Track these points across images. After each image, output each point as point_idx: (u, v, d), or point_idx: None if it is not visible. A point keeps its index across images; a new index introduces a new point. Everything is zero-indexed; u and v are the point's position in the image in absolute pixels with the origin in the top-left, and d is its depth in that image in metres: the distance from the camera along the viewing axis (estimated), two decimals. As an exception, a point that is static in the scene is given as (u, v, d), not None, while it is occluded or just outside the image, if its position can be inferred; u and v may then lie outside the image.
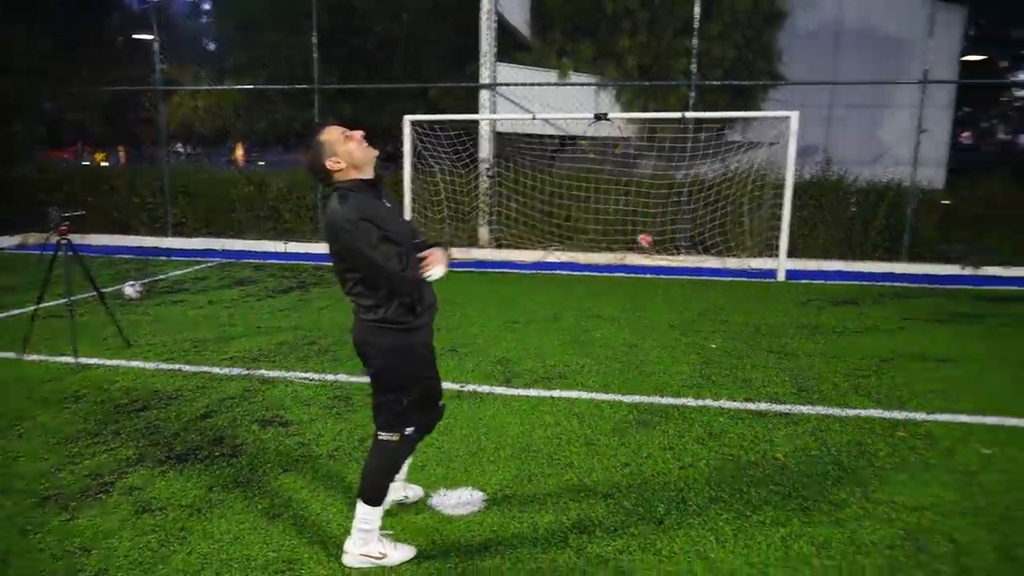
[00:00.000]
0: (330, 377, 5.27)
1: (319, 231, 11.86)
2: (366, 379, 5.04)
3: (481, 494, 3.47)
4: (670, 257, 10.68)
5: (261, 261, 10.82)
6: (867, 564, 2.91)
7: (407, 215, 10.51)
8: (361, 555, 2.86)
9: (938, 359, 5.87)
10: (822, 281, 9.54)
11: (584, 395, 4.90)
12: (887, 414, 4.60)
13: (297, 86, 12.37)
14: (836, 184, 10.81)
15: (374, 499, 2.85)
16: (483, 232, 11.33)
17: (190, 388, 5.00)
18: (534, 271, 10.11)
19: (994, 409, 4.68)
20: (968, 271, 10.17)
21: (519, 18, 13.02)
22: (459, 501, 3.40)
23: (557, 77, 12.09)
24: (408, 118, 10.29)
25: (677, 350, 6.07)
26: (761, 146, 10.91)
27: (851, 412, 4.63)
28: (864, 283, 9.43)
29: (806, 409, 4.67)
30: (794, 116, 9.42)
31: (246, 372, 5.36)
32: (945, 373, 5.49)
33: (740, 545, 3.04)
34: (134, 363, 5.57)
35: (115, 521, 3.21)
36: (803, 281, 9.51)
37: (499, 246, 11.16)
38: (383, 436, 2.85)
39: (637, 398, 4.85)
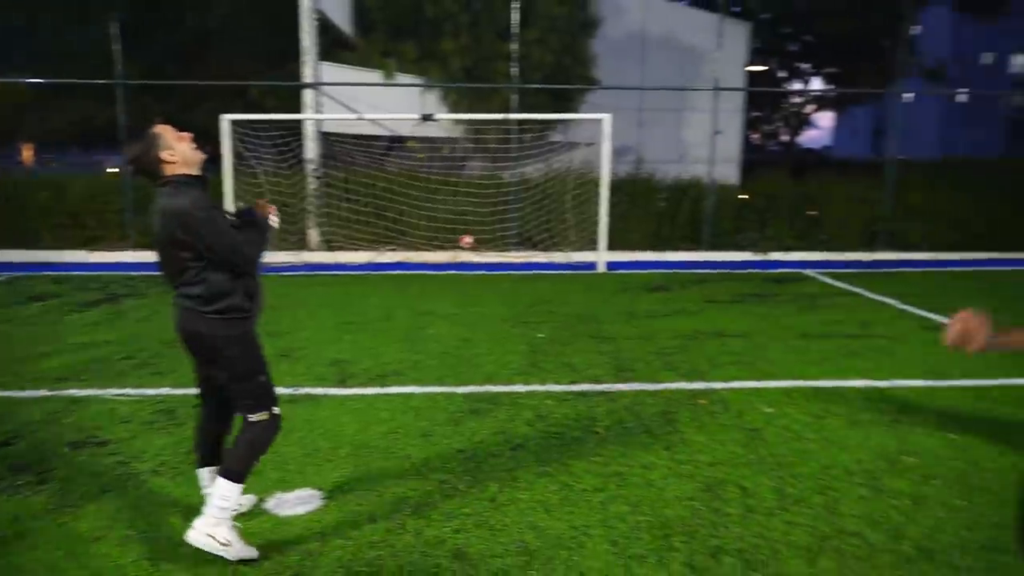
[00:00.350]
0: (150, 391, 5.00)
1: (129, 238, 11.01)
2: (191, 390, 4.86)
3: (319, 493, 3.50)
4: (500, 254, 11.08)
5: (61, 273, 9.85)
6: (671, 515, 3.31)
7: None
8: (208, 535, 2.83)
9: (732, 335, 6.64)
10: (636, 271, 10.36)
11: (419, 390, 5.03)
12: (690, 385, 5.17)
13: (98, 81, 11.36)
14: (646, 181, 11.76)
15: (239, 475, 2.87)
16: (312, 234, 11.09)
17: (-16, 415, 4.53)
18: (366, 272, 10.08)
19: (775, 375, 5.40)
20: (758, 257, 11.48)
21: (341, 17, 12.86)
22: (296, 502, 3.41)
23: (382, 77, 12.10)
24: (226, 117, 9.83)
25: (507, 341, 6.38)
26: (580, 146, 11.61)
27: (660, 386, 5.14)
28: (672, 271, 10.36)
29: (623, 386, 5.13)
30: (607, 118, 10.14)
31: (51, 393, 4.94)
32: (738, 347, 6.23)
33: (565, 512, 3.33)
34: (-90, 393, 4.94)
35: (-100, 565, 2.89)
36: (620, 271, 10.28)
37: (330, 248, 10.99)
38: (253, 418, 2.91)
39: (470, 388, 5.07)
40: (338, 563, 2.92)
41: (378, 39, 12.64)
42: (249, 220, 2.97)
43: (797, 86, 23.45)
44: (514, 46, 11.16)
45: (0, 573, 2.86)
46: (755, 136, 25.11)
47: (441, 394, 4.94)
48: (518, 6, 11.16)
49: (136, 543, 3.06)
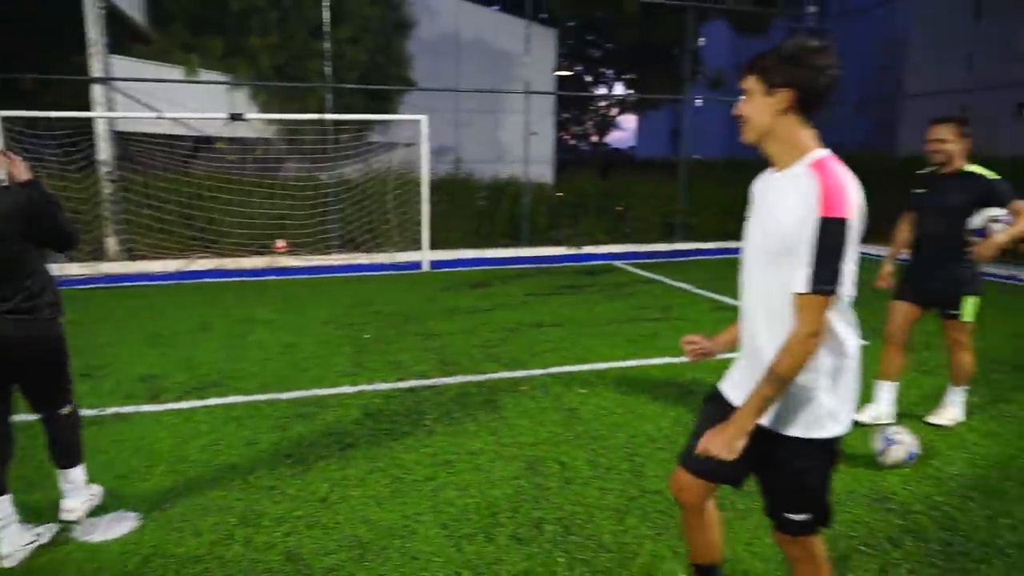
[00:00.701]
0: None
1: None
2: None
3: (134, 514, 3.32)
4: (321, 256, 10.86)
5: None
6: (498, 494, 3.53)
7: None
8: (83, 503, 3.14)
9: (550, 325, 7.07)
10: (460, 268, 10.63)
11: (241, 399, 4.88)
12: (512, 374, 5.46)
13: None
14: (465, 181, 12.08)
15: (81, 456, 3.16)
16: (110, 243, 10.18)
17: None
18: (176, 281, 9.44)
19: (588, 359, 5.85)
20: (571, 251, 12.22)
21: (132, 6, 11.88)
22: (110, 525, 3.21)
23: (184, 74, 11.36)
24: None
25: (332, 344, 6.33)
26: (399, 147, 11.66)
27: (484, 377, 5.39)
28: (493, 267, 10.75)
29: (449, 380, 5.31)
30: (424, 119, 10.29)
31: None
32: (555, 335, 6.65)
33: (397, 504, 3.44)
34: None
35: None
36: (444, 269, 10.49)
37: (132, 257, 10.16)
38: (66, 409, 3.09)
39: (296, 394, 5.00)
40: (161, 581, 2.81)
41: (178, 32, 11.83)
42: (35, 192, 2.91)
43: (602, 90, 25.06)
44: (327, 45, 10.96)
45: None
46: (567, 137, 26.48)
47: (265, 402, 4.83)
48: (328, 4, 10.98)
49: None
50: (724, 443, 1.96)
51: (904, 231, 4.52)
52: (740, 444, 1.95)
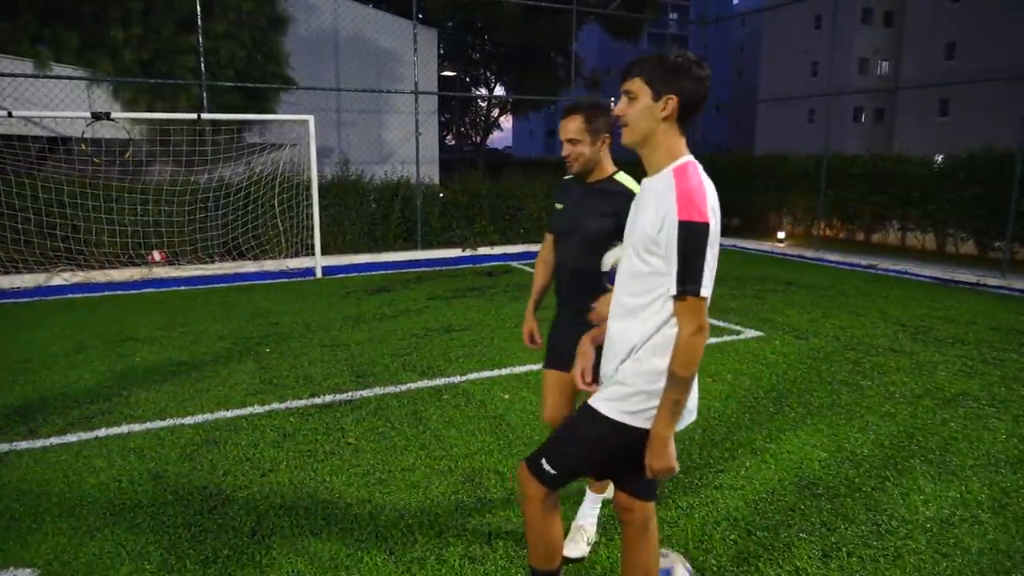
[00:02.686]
0: None
1: None
2: None
3: (28, 570, 2.91)
4: (204, 266, 10.16)
5: None
6: (440, 512, 3.38)
7: None
8: None
9: (459, 329, 6.95)
10: (356, 274, 10.28)
11: (137, 427, 4.43)
12: (431, 382, 5.30)
13: None
14: (355, 183, 11.69)
15: None
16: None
17: None
18: (39, 298, 8.50)
19: (505, 362, 5.79)
20: (468, 252, 12.13)
21: (-34, -8, 10.58)
22: (0, 587, 2.80)
23: (33, 68, 10.26)
24: None
25: (231, 361, 5.90)
26: (283, 148, 11.11)
27: (403, 387, 5.20)
28: (391, 271, 10.48)
29: (366, 392, 5.08)
30: (311, 120, 9.85)
31: None
32: (467, 339, 6.54)
33: (334, 532, 3.21)
34: None
35: None
36: (340, 275, 10.10)
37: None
38: None
39: (199, 418, 4.60)
40: (76, 647, 2.47)
41: (26, 21, 10.65)
42: None
43: (482, 91, 25.15)
44: (200, 39, 10.25)
45: None
46: (448, 138, 26.35)
47: (165, 428, 4.40)
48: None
49: None
50: (664, 460, 2.02)
51: (541, 269, 3.13)
52: (672, 451, 2.02)
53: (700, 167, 2.04)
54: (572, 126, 2.71)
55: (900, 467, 3.86)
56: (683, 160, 2.03)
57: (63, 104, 10.46)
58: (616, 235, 2.59)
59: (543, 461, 2.22)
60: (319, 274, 10.03)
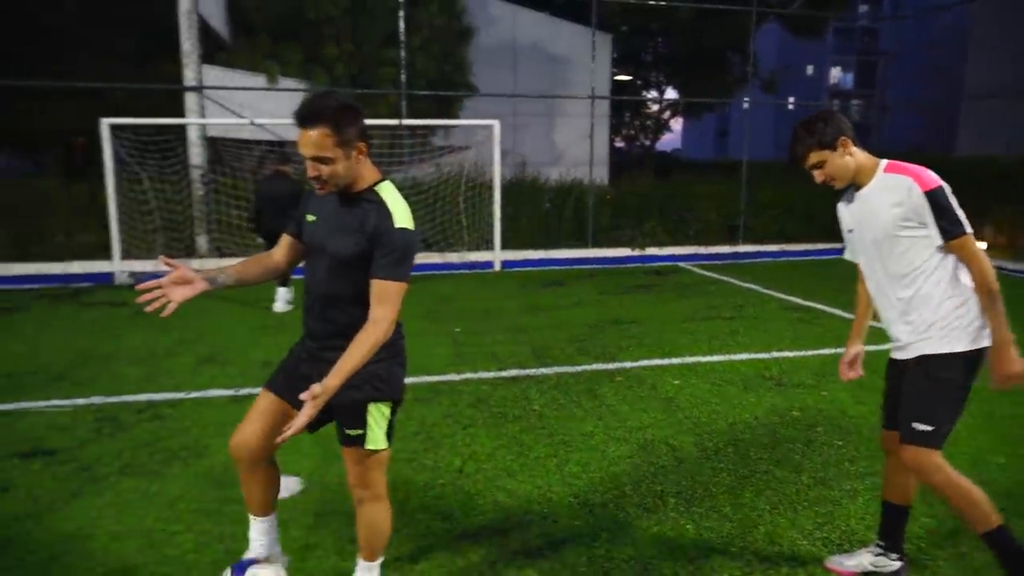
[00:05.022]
0: (82, 401, 4.91)
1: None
2: (130, 397, 4.89)
3: (296, 478, 3.72)
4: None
5: (-83, 290, 9.03)
6: (617, 470, 3.85)
7: (113, 227, 9.64)
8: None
9: (629, 322, 7.36)
10: (530, 268, 10.99)
11: (359, 384, 5.28)
12: (605, 366, 5.78)
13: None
14: (532, 183, 12.43)
15: None
16: (201, 241, 10.80)
17: (-101, 436, 4.31)
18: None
19: (674, 353, 6.14)
20: (636, 251, 12.47)
21: (216, 19, 12.54)
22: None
23: (266, 81, 11.95)
24: (106, 121, 9.39)
25: (427, 336, 6.72)
26: (468, 150, 12.05)
27: (579, 368, 5.71)
28: (562, 267, 11.08)
29: (546, 370, 5.65)
30: (496, 124, 10.68)
31: (-32, 410, 4.74)
32: (637, 331, 6.94)
33: (527, 476, 3.78)
34: None
35: None
36: (515, 269, 10.86)
37: (221, 255, 10.74)
38: None
39: (409, 380, 5.36)
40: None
41: (261, 42, 12.44)
42: None
43: (653, 94, 25.24)
44: (403, 53, 11.42)
45: (10, 573, 2.90)
46: (618, 140, 26.68)
47: (382, 386, 5.22)
48: (403, 14, 11.44)
49: (128, 537, 3.17)
50: (1015, 364, 2.45)
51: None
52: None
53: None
54: (315, 140, 2.13)
55: (812, 438, 3.79)
56: (884, 161, 2.58)
57: (285, 112, 12.07)
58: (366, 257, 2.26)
59: (918, 426, 2.49)
60: (497, 267, 10.84)
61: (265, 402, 2.49)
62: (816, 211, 13.70)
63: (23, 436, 4.30)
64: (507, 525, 3.27)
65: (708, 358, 5.99)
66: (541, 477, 3.76)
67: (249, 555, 2.63)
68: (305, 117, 2.14)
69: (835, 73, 57.15)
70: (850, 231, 2.73)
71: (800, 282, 9.64)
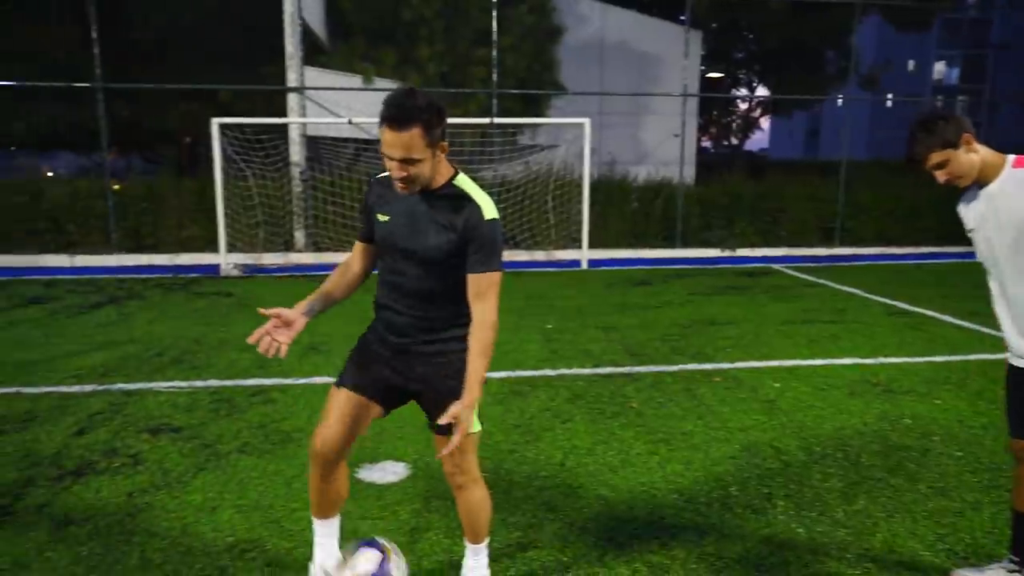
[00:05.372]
0: (199, 383, 5.22)
1: (112, 242, 10.94)
2: (243, 381, 5.15)
3: (402, 464, 3.84)
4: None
5: (48, 277, 9.78)
6: (721, 471, 3.79)
7: (220, 221, 10.16)
8: None
9: (723, 323, 7.22)
10: (617, 267, 10.92)
11: (457, 375, 5.39)
12: (701, 366, 5.69)
13: (77, 84, 11.22)
14: (620, 182, 12.34)
15: None
16: (299, 236, 11.25)
17: (43, 409, 4.68)
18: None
19: (773, 356, 5.98)
20: (726, 253, 12.20)
21: (316, 22, 13.01)
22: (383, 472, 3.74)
23: (362, 82, 12.32)
24: (216, 121, 9.92)
25: (520, 331, 6.79)
26: (557, 148, 12.08)
27: (675, 367, 5.65)
28: (650, 267, 10.95)
29: (641, 368, 5.61)
30: (587, 123, 10.66)
31: (100, 388, 5.11)
32: (732, 333, 6.79)
33: (629, 472, 3.77)
34: (-45, 391, 5.03)
35: (40, 537, 3.12)
36: (602, 268, 10.81)
37: (318, 249, 11.17)
38: None
39: (503, 373, 5.46)
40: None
41: (357, 44, 12.84)
42: None
43: (743, 91, 24.59)
44: (494, 52, 11.55)
45: (141, 536, 3.12)
46: (704, 139, 26.15)
47: (479, 379, 5.31)
48: (496, 14, 11.57)
49: (251, 511, 3.35)
50: None
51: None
52: None
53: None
54: (407, 141, 2.07)
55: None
56: (1012, 156, 2.48)
57: (378, 111, 12.38)
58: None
59: None
60: (584, 265, 10.83)
61: (342, 401, 2.44)
62: (920, 213, 13.06)
63: (150, 414, 4.61)
64: (613, 520, 3.28)
65: (809, 362, 5.80)
66: (644, 474, 3.75)
67: (317, 560, 2.60)
68: (398, 118, 2.05)
69: (939, 68, 54.12)
70: (971, 231, 2.60)
71: (904, 287, 9.20)
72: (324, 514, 2.56)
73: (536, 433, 4.30)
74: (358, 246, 2.53)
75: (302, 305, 2.41)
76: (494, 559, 2.88)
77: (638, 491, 3.55)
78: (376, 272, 2.55)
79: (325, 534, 2.59)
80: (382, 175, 2.38)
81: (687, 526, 3.22)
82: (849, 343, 6.41)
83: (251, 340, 2.31)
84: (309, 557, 2.68)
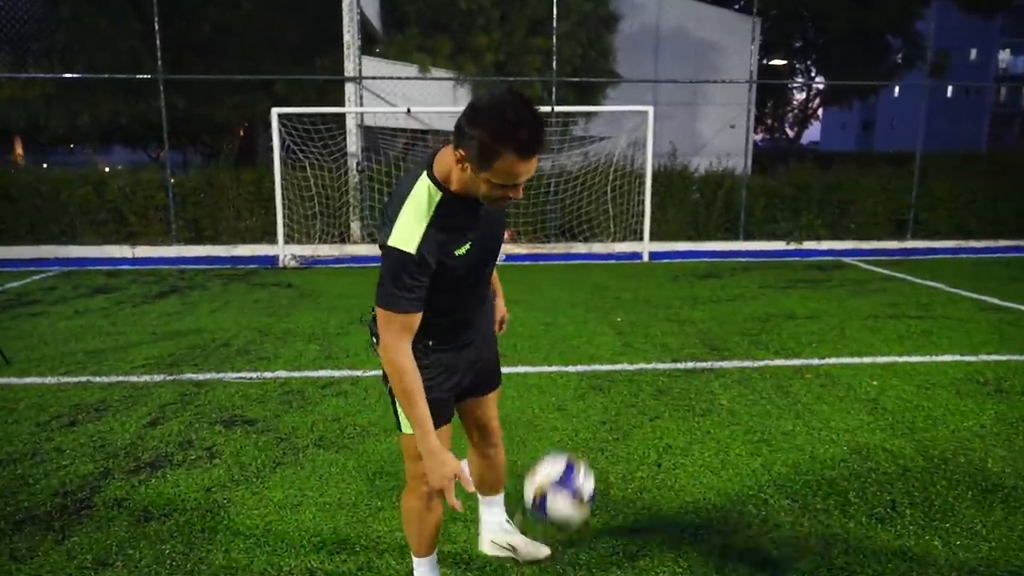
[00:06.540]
0: (268, 374, 5.09)
1: (172, 233, 11.02)
2: (312, 372, 5.00)
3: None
4: (539, 245, 11.22)
5: (111, 268, 9.87)
6: (834, 475, 3.48)
7: (279, 212, 10.13)
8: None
9: (803, 317, 6.84)
10: (679, 260, 10.56)
11: (531, 369, 5.17)
12: (788, 362, 5.35)
13: (138, 76, 11.31)
14: (681, 173, 11.95)
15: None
16: (355, 227, 11.17)
17: (115, 399, 4.61)
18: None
19: (864, 351, 5.60)
20: (792, 246, 11.72)
21: (371, 11, 12.91)
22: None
23: (418, 71, 12.18)
24: (276, 111, 9.87)
25: (589, 324, 6.53)
26: (619, 138, 11.74)
27: (760, 363, 5.32)
28: (714, 260, 10.57)
29: (725, 364, 5.30)
30: (650, 111, 10.32)
31: (171, 378, 5.03)
32: (815, 327, 6.42)
33: (730, 474, 3.49)
34: (28, 380, 5.00)
35: (120, 532, 2.99)
36: (664, 260, 10.47)
37: (373, 241, 11.06)
38: None
39: (580, 368, 5.21)
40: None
41: (413, 34, 12.71)
42: None
43: (800, 80, 23.81)
44: (553, 40, 11.27)
45: (223, 535, 2.96)
46: (758, 131, 25.45)
47: (556, 373, 5.08)
48: (555, 0, 11.29)
49: (335, 509, 3.17)
50: None
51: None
52: None
53: None
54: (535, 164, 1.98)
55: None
56: None
57: (434, 101, 12.23)
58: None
59: None
60: (646, 258, 10.50)
61: (446, 437, 2.31)
62: (1001, 206, 12.38)
63: (222, 405, 4.49)
64: (725, 525, 3.01)
65: (905, 358, 5.41)
66: (749, 477, 3.47)
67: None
68: (539, 146, 1.90)
69: (1003, 56, 51.79)
70: None
71: (990, 281, 8.66)
72: (427, 550, 2.49)
73: (625, 431, 4.04)
74: (413, 320, 2.07)
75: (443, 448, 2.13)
76: (603, 568, 2.65)
77: (746, 495, 3.27)
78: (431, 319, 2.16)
79: (426, 568, 2.51)
80: (421, 230, 2.00)
81: (808, 535, 2.94)
82: (945, 339, 5.98)
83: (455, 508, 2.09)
84: (406, 558, 2.49)
